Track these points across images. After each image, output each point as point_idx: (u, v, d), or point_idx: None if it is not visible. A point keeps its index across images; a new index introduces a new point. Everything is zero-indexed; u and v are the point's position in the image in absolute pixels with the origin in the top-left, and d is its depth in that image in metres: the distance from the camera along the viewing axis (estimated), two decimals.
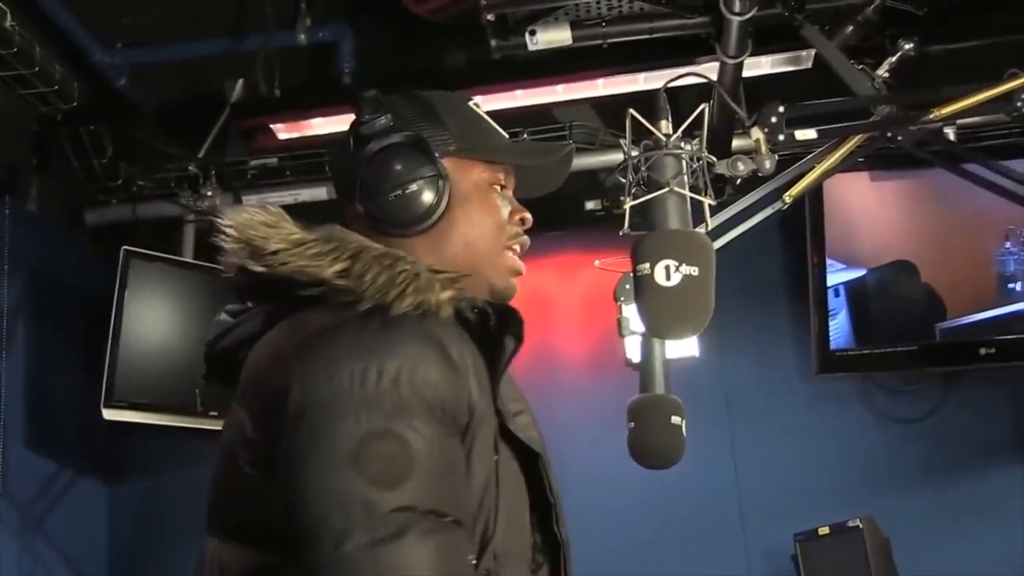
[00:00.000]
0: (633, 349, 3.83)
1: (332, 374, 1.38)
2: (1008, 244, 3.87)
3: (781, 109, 2.14)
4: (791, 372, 3.99)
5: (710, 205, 1.83)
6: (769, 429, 3.92)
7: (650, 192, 1.82)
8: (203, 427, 3.68)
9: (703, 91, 3.36)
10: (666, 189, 1.80)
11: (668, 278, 1.76)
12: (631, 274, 1.82)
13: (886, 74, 2.44)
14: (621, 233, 1.90)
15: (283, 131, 3.54)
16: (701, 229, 1.87)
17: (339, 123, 3.63)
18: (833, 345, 3.85)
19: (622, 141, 1.90)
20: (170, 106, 4.01)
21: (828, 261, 3.83)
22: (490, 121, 1.73)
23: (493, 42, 3.08)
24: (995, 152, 3.26)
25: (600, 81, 3.50)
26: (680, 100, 3.88)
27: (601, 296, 3.58)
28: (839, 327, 3.87)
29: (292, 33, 3.66)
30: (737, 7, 2.76)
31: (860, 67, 2.41)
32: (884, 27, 2.70)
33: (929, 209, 3.91)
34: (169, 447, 4.08)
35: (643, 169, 1.82)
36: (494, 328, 1.53)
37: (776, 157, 2.09)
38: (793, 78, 3.47)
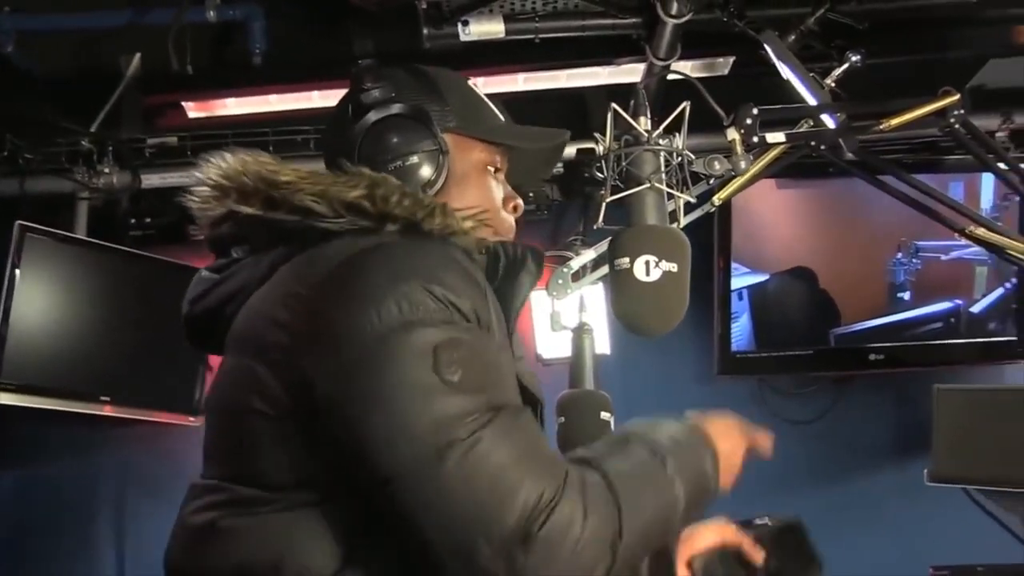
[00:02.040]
0: (545, 345, 3.89)
1: (379, 304, 1.36)
2: (900, 255, 4.03)
3: (755, 111, 2.18)
4: (691, 373, 4.07)
5: (687, 203, 1.86)
6: None
7: (628, 187, 1.83)
8: (94, 413, 3.56)
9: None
10: (646, 185, 1.81)
11: (648, 273, 1.77)
12: (606, 269, 1.84)
13: (832, 84, 2.53)
14: (595, 227, 1.91)
15: (194, 110, 3.43)
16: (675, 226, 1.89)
17: (251, 105, 3.55)
18: (734, 347, 3.95)
19: (598, 136, 1.91)
20: (61, 77, 3.86)
21: (733, 265, 3.93)
22: (488, 102, 1.73)
23: (425, 30, 3.04)
24: (898, 164, 3.39)
25: (521, 76, 3.49)
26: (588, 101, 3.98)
27: None
28: (741, 330, 3.97)
29: (201, 9, 3.57)
30: (674, 10, 2.80)
31: (811, 75, 2.49)
32: (828, 38, 2.79)
33: (829, 218, 4.05)
34: (49, 433, 3.94)
35: (623, 164, 1.83)
36: (505, 267, 1.55)
37: (751, 157, 2.13)
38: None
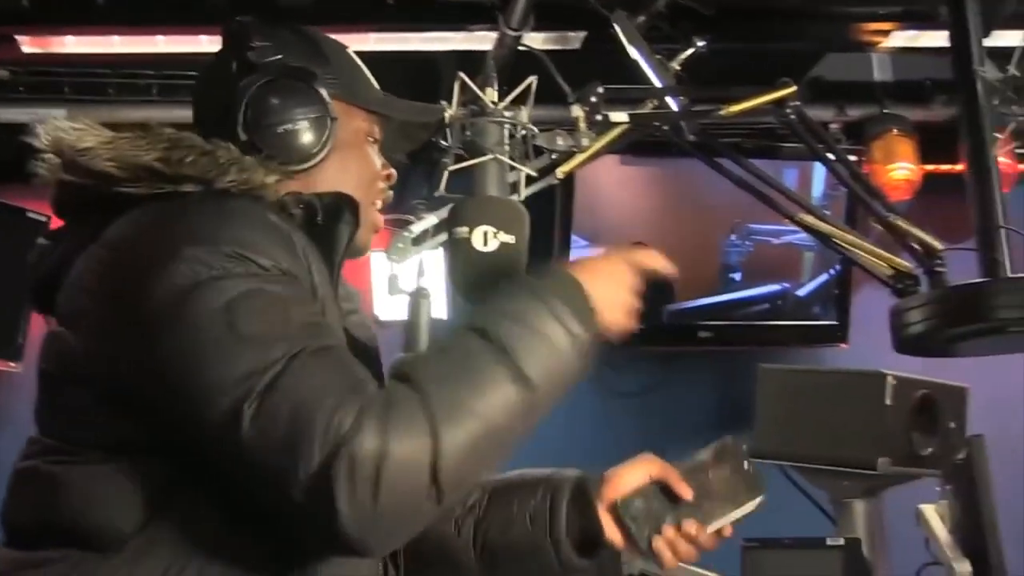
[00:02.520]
0: (382, 307, 3.90)
1: (172, 267, 1.35)
2: (733, 236, 4.18)
3: (600, 89, 2.22)
4: None
5: (528, 177, 1.88)
6: None
7: (471, 157, 1.84)
8: None
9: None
10: (489, 156, 1.82)
11: (485, 243, 1.79)
12: (446, 236, 1.85)
13: (677, 67, 2.60)
14: (436, 195, 1.91)
15: (28, 45, 3.32)
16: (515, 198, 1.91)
17: (92, 45, 3.44)
18: None
19: (445, 104, 1.91)
20: None
21: (573, 238, 4.01)
22: (367, 71, 1.72)
23: None
24: (737, 148, 3.50)
25: (373, 36, 3.47)
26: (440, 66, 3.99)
27: None
28: None
29: None
30: None
31: (657, 57, 2.55)
32: (676, 22, 2.86)
33: (668, 197, 4.18)
34: None
35: (467, 133, 1.83)
36: (323, 219, 1.53)
37: (594, 134, 2.17)
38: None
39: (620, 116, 2.27)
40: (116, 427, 1.40)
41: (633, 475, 1.73)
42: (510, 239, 1.80)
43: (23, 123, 3.61)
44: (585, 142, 2.07)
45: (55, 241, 1.57)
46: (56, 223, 1.64)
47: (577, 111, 2.16)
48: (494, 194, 1.85)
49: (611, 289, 1.51)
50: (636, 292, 1.55)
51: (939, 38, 3.39)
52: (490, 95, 1.86)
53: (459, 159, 1.86)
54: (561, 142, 1.98)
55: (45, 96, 3.69)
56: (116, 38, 3.40)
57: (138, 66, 3.72)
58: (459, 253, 1.82)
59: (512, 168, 1.83)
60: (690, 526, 1.68)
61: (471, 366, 1.34)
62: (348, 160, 1.64)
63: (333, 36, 3.47)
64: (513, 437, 1.37)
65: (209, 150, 1.48)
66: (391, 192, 1.72)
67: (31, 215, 3.72)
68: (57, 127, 1.52)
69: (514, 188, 1.91)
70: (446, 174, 1.88)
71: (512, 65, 3.22)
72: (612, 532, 1.69)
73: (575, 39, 3.49)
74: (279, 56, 1.59)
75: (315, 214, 1.53)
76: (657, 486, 1.70)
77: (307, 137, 1.57)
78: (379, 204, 1.70)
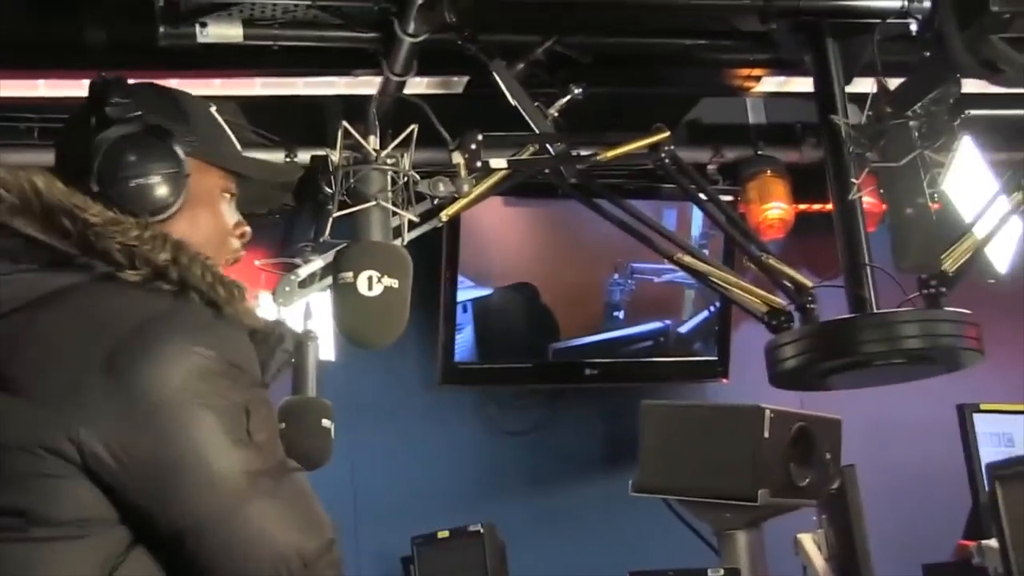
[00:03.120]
0: None
1: (178, 368, 1.41)
2: (615, 276, 4.26)
3: (480, 137, 2.28)
4: (415, 381, 4.17)
5: (411, 221, 1.94)
6: (390, 435, 4.06)
7: (355, 203, 1.90)
8: None
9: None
10: (372, 203, 1.88)
11: (370, 288, 1.85)
12: (334, 282, 1.90)
13: (556, 113, 2.66)
14: (322, 240, 1.96)
15: None
16: (398, 243, 1.98)
17: None
18: (457, 358, 4.07)
19: (329, 152, 1.96)
20: None
21: (460, 277, 4.05)
22: (227, 130, 1.75)
23: (161, 28, 3.04)
24: (618, 190, 3.59)
25: (259, 81, 3.50)
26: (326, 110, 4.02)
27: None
28: (464, 341, 4.09)
29: None
30: (412, 28, 2.91)
31: (536, 104, 2.62)
32: (553, 70, 2.93)
33: (552, 237, 4.24)
34: None
35: (352, 180, 1.89)
36: (273, 341, 1.59)
37: (474, 180, 2.23)
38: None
39: (499, 162, 2.34)
40: (78, 501, 1.41)
41: None
42: (394, 283, 1.87)
43: None
44: (465, 188, 2.13)
45: None
46: None
47: (457, 158, 2.22)
48: (378, 239, 1.92)
49: None
50: None
51: (807, 84, 3.50)
52: (372, 143, 1.93)
53: (343, 206, 1.92)
54: (443, 188, 2.04)
55: None
56: None
57: (19, 109, 3.68)
58: (344, 298, 1.88)
59: (395, 213, 1.90)
60: None
61: None
62: (201, 215, 1.66)
63: (221, 79, 3.49)
64: None
65: (209, 264, 1.53)
66: (242, 251, 1.74)
67: None
68: (36, 179, 1.52)
69: (397, 233, 1.98)
70: (331, 220, 1.94)
71: (395, 111, 3.29)
72: None
73: (458, 83, 3.54)
74: (137, 113, 1.61)
75: (266, 339, 1.59)
76: None
77: (159, 191, 1.60)
78: (230, 260, 1.72)
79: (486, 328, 4.15)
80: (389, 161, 1.90)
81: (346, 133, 1.89)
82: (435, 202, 2.19)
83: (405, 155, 1.92)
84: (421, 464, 4.11)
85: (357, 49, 3.28)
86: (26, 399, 1.45)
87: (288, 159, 3.89)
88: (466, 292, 4.09)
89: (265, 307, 3.09)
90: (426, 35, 2.91)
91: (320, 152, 3.91)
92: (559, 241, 4.25)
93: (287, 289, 2.73)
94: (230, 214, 1.71)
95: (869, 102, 2.73)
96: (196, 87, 3.57)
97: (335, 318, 1.91)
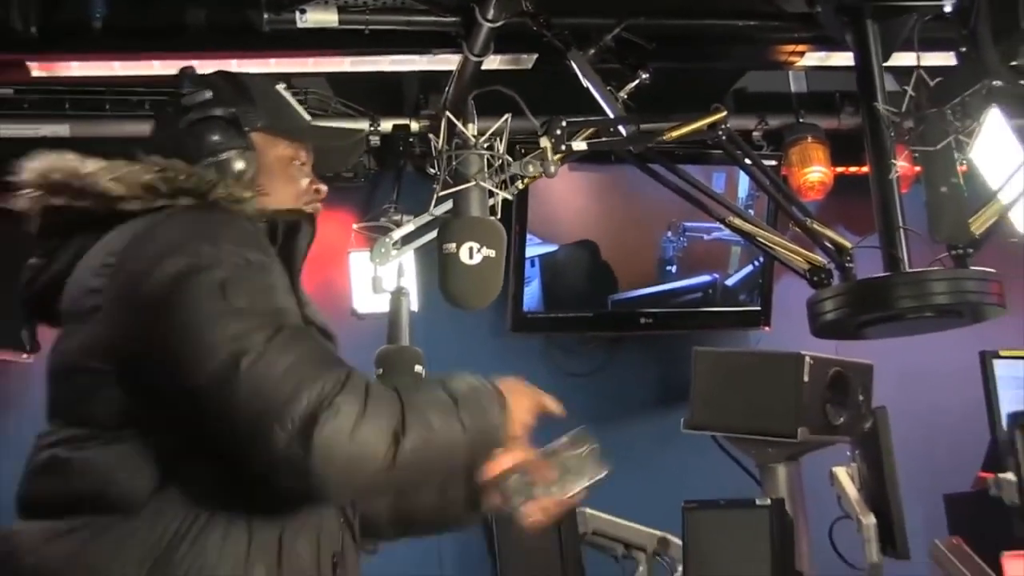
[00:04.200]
0: (360, 301, 4.04)
1: (172, 258, 1.53)
2: (669, 234, 4.36)
3: (564, 123, 2.40)
4: (488, 329, 4.27)
5: (505, 199, 2.09)
6: None
7: (457, 183, 2.04)
8: None
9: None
10: (472, 183, 2.02)
11: (471, 257, 2.00)
12: (439, 251, 2.05)
13: (625, 96, 2.78)
14: (427, 214, 2.11)
15: (37, 69, 3.43)
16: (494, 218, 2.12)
17: (92, 68, 3.56)
18: (525, 308, 4.19)
19: (432, 137, 2.10)
20: None
21: (528, 236, 4.16)
22: (295, 104, 1.88)
23: (266, 15, 3.16)
24: (670, 155, 3.67)
25: (348, 60, 3.62)
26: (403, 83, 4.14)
27: (328, 250, 3.76)
28: (532, 293, 4.21)
29: None
30: (491, 15, 3.02)
31: (608, 88, 2.73)
32: (621, 54, 3.04)
33: (611, 199, 4.32)
34: None
35: (454, 163, 2.03)
36: (283, 233, 1.71)
37: (559, 162, 2.35)
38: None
39: (580, 145, 2.45)
40: (124, 404, 1.55)
41: (507, 459, 1.93)
42: (491, 253, 2.01)
43: (28, 137, 3.77)
44: (552, 170, 2.25)
45: (48, 259, 1.71)
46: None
47: (545, 142, 2.33)
48: (477, 214, 2.06)
49: (524, 409, 1.74)
50: (534, 416, 1.77)
51: (847, 58, 3.54)
52: (472, 130, 2.07)
53: (446, 185, 2.06)
54: (532, 169, 2.17)
55: (48, 112, 3.78)
56: (116, 63, 3.50)
57: (132, 84, 3.82)
58: (448, 266, 2.03)
59: (492, 193, 2.04)
60: (548, 499, 1.92)
61: (435, 401, 1.58)
62: (273, 180, 1.78)
63: (314, 59, 3.59)
64: (447, 459, 1.62)
65: (196, 171, 1.66)
66: (319, 205, 1.84)
67: None
68: (53, 159, 1.67)
69: (492, 209, 2.12)
70: (435, 197, 2.09)
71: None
72: (492, 497, 1.91)
73: (527, 60, 3.65)
74: (208, 99, 1.74)
75: (277, 228, 1.71)
76: (525, 468, 1.94)
77: (232, 165, 1.72)
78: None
79: (552, 281, 4.26)
80: (485, 146, 2.03)
81: (449, 123, 2.02)
82: (524, 180, 2.32)
83: (499, 140, 2.05)
84: None
85: (437, 32, 3.40)
86: (67, 323, 1.62)
87: (372, 127, 4.04)
88: (534, 248, 4.19)
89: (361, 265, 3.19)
90: (504, 20, 3.02)
91: (398, 120, 4.10)
92: (617, 203, 4.32)
93: (383, 251, 2.87)
94: (301, 177, 1.83)
95: (909, 93, 2.80)
96: (291, 66, 3.72)
97: (440, 283, 2.05)
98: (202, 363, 1.48)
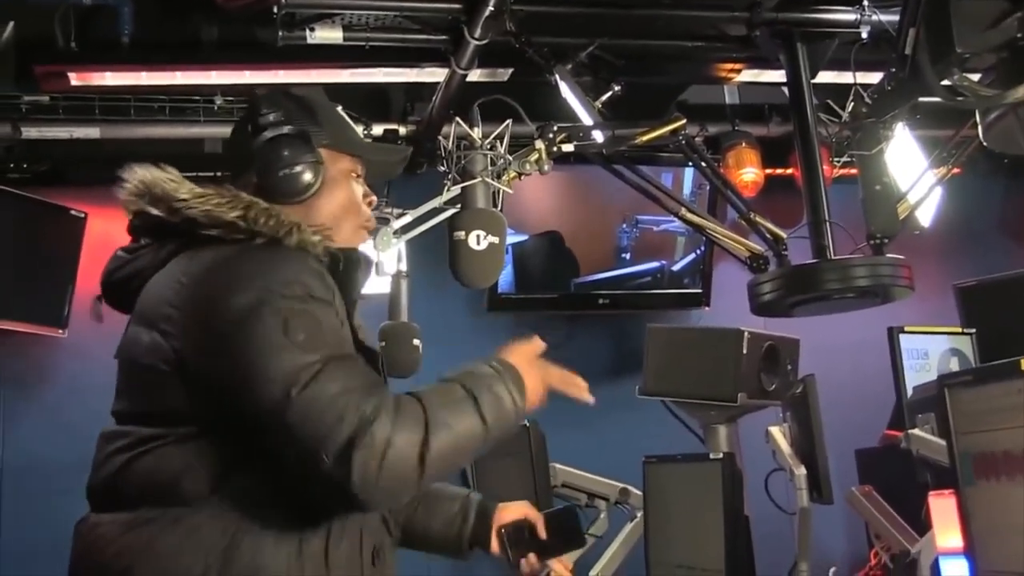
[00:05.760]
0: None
1: (241, 292, 1.54)
2: (624, 225, 4.42)
3: (556, 128, 2.45)
4: (467, 309, 4.30)
5: (506, 193, 2.13)
6: (445, 351, 4.15)
7: (464, 179, 2.08)
8: None
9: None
10: (478, 180, 2.06)
11: (478, 244, 2.04)
12: (449, 239, 2.09)
13: (600, 105, 2.83)
14: (437, 206, 2.15)
15: (76, 79, 3.42)
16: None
17: (122, 78, 3.55)
18: (500, 290, 4.23)
19: (442, 140, 2.14)
20: None
21: None
22: (351, 123, 1.91)
23: (280, 32, 3.17)
24: (624, 157, 3.71)
25: (346, 72, 3.62)
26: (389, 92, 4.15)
27: None
28: (505, 277, 4.24)
29: None
30: (478, 33, 3.06)
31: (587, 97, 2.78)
32: (596, 70, 3.09)
33: (575, 195, 4.38)
34: None
35: (462, 162, 2.07)
36: (344, 267, 1.72)
37: (552, 162, 2.39)
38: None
39: (568, 147, 2.50)
40: (189, 405, 1.57)
41: (514, 511, 2.07)
42: (495, 240, 2.06)
43: (62, 139, 3.74)
44: (546, 168, 2.31)
45: (132, 256, 1.74)
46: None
47: (539, 144, 2.38)
48: (482, 206, 2.10)
49: (537, 382, 1.79)
50: (547, 387, 1.83)
51: (777, 75, 3.66)
52: (476, 133, 2.10)
53: (455, 181, 2.10)
54: (528, 167, 2.22)
55: (80, 117, 3.76)
56: (144, 74, 3.49)
57: (153, 93, 3.81)
58: (458, 251, 2.07)
59: (496, 189, 2.08)
60: (536, 558, 2.04)
61: (454, 402, 1.60)
62: (336, 193, 1.79)
63: (317, 70, 3.57)
64: (470, 451, 1.65)
65: (275, 213, 1.67)
66: (373, 218, 1.88)
67: (72, 212, 3.79)
68: (153, 173, 1.70)
69: (495, 200, 2.16)
70: (446, 191, 2.12)
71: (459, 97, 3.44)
72: (494, 544, 2.02)
73: (503, 74, 3.68)
74: (282, 119, 1.77)
75: (339, 263, 1.72)
76: (526, 524, 2.07)
77: (303, 178, 1.74)
78: (365, 223, 1.86)
79: (522, 266, 4.31)
80: (489, 148, 2.07)
81: (457, 125, 2.06)
82: (522, 178, 2.36)
83: (500, 142, 2.09)
84: None
85: (425, 49, 3.43)
86: (140, 325, 1.64)
87: (365, 131, 4.04)
88: (508, 238, 4.21)
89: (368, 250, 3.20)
90: (489, 39, 3.05)
91: (390, 126, 4.11)
92: (580, 198, 4.38)
93: (385, 239, 2.89)
94: (358, 188, 1.85)
95: (849, 107, 2.88)
96: (295, 77, 3.72)
97: (451, 266, 2.09)
98: (261, 391, 1.50)
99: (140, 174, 1.70)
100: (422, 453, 1.51)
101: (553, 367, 1.86)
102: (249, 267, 1.58)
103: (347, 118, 1.92)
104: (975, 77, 2.14)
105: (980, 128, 2.18)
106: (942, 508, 2.05)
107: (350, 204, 1.81)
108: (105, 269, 1.77)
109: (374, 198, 1.88)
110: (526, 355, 1.80)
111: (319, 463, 1.47)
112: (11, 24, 3.69)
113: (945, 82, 1.98)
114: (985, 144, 2.25)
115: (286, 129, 1.75)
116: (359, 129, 1.93)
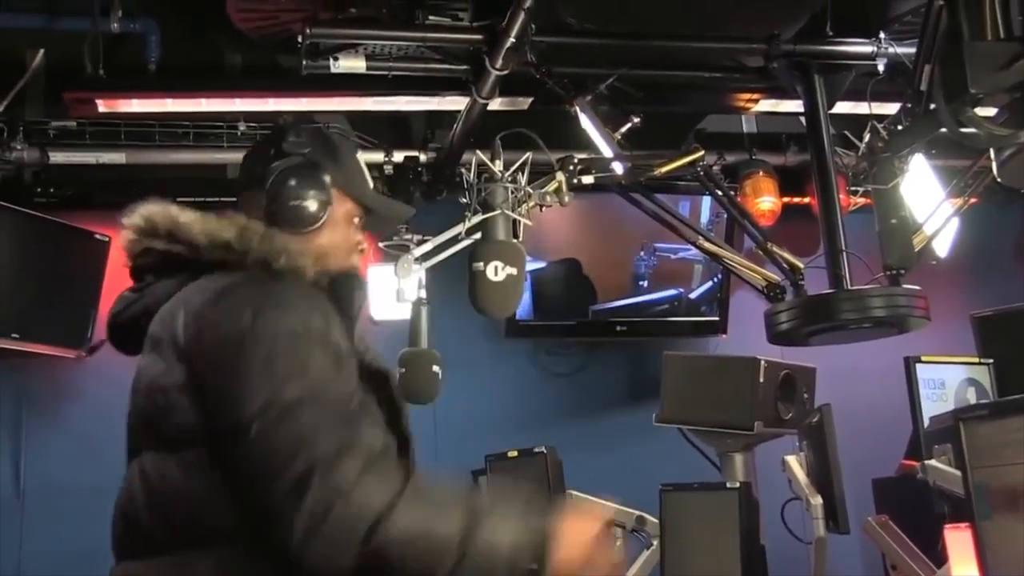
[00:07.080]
0: (377, 311, 4.06)
1: (237, 316, 1.55)
2: (642, 253, 4.42)
3: (576, 160, 2.47)
4: (485, 335, 4.31)
5: (525, 224, 2.15)
6: (466, 378, 4.15)
7: (484, 211, 2.10)
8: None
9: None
10: (498, 212, 2.09)
11: (496, 275, 2.07)
12: (469, 269, 2.11)
13: (619, 136, 2.85)
14: (460, 236, 2.17)
15: (104, 106, 3.48)
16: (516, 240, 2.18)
17: (149, 105, 3.61)
18: (518, 317, 4.23)
19: (463, 170, 2.16)
20: None
21: None
22: (365, 171, 1.91)
23: (304, 61, 3.21)
24: (644, 186, 3.74)
25: (369, 100, 3.67)
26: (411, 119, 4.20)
27: None
28: (524, 303, 4.24)
29: (107, 20, 3.59)
30: (499, 64, 3.09)
31: (606, 129, 2.81)
32: (616, 100, 3.11)
33: (594, 223, 4.38)
34: None
35: (483, 194, 2.09)
36: (339, 286, 1.73)
37: (572, 194, 2.41)
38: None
39: (588, 179, 2.53)
40: (197, 418, 1.56)
41: None
42: (513, 271, 2.08)
43: (88, 164, 3.81)
44: (567, 199, 2.33)
45: (139, 294, 1.75)
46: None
47: (560, 176, 2.40)
48: (502, 238, 2.13)
49: (573, 559, 1.57)
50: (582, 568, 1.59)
51: (794, 105, 3.69)
52: (498, 165, 2.13)
53: (476, 211, 2.13)
54: (548, 199, 2.24)
55: (106, 143, 3.81)
56: (170, 100, 3.55)
57: (177, 120, 3.87)
58: (477, 282, 2.10)
59: (516, 221, 2.10)
60: None
61: (449, 504, 1.54)
62: (336, 232, 1.80)
63: (339, 99, 3.61)
64: (431, 564, 1.49)
65: (269, 236, 1.68)
66: (359, 263, 1.86)
67: (97, 236, 3.83)
68: (155, 207, 1.72)
69: (514, 232, 2.18)
70: (467, 222, 2.15)
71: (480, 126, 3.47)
72: None
73: (523, 103, 3.73)
74: (305, 150, 1.78)
75: (333, 284, 1.72)
76: None
77: (309, 210, 1.75)
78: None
79: (541, 293, 4.32)
80: (509, 179, 2.09)
81: (479, 160, 2.08)
82: (542, 209, 2.37)
83: (521, 174, 2.11)
84: (489, 400, 4.30)
85: (446, 79, 3.48)
86: (151, 353, 1.65)
87: (386, 158, 4.10)
88: (526, 265, 4.23)
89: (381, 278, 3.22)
90: (509, 69, 3.08)
91: (409, 152, 4.15)
92: (598, 226, 4.38)
93: (405, 265, 2.91)
94: (355, 233, 1.85)
95: (865, 141, 2.90)
96: (319, 104, 3.78)
97: (470, 296, 2.11)
98: (233, 412, 1.50)
99: (142, 211, 1.73)
100: (377, 523, 1.46)
101: (604, 554, 1.63)
102: (249, 295, 1.60)
103: (363, 165, 1.92)
104: (990, 112, 2.16)
105: (995, 165, 2.20)
106: (958, 541, 2.05)
107: (344, 245, 1.83)
108: (111, 312, 1.79)
109: (364, 245, 1.88)
110: (580, 533, 1.61)
111: (272, 494, 1.46)
112: (41, 52, 3.79)
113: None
114: (1000, 180, 2.26)
115: (306, 161, 1.78)
116: (372, 175, 1.91)
